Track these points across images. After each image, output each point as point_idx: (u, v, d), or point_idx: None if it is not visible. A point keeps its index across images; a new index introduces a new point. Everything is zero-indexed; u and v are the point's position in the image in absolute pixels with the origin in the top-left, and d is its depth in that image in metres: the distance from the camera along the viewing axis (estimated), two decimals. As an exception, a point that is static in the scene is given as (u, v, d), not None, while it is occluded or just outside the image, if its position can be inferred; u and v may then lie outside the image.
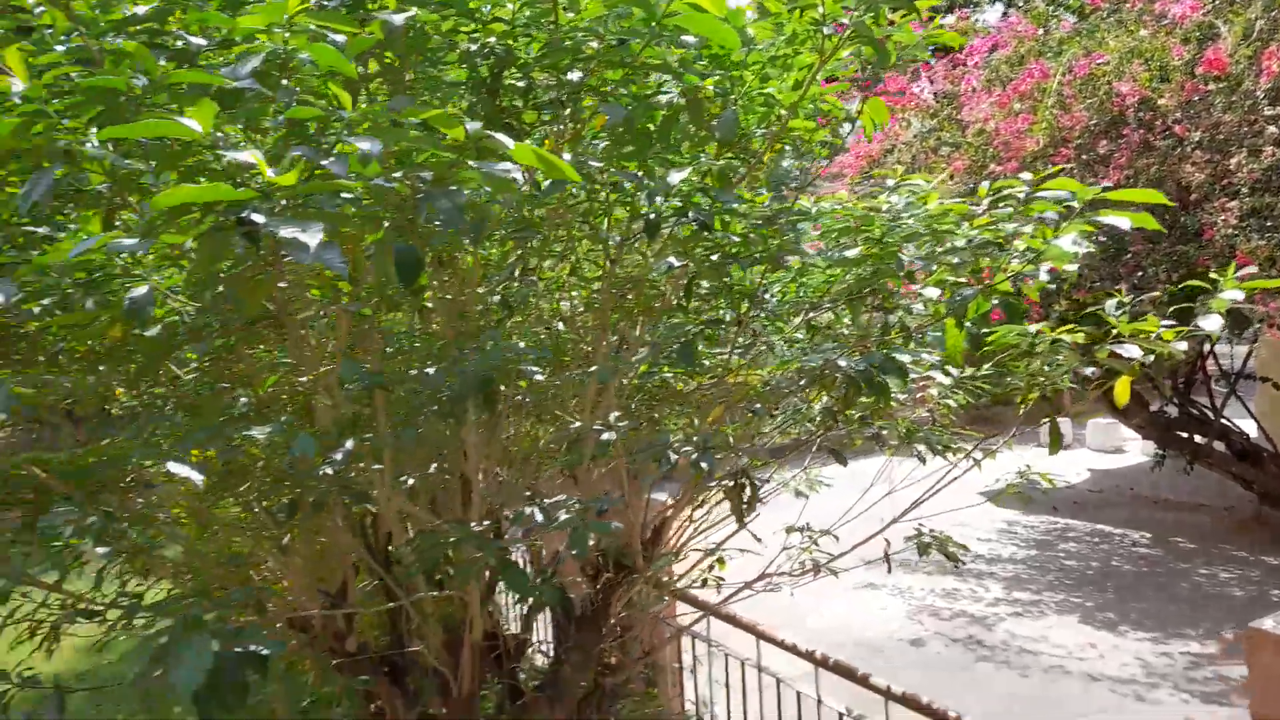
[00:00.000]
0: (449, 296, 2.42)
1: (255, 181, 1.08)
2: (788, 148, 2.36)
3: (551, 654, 4.14)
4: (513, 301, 2.26)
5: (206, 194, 1.00)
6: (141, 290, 1.31)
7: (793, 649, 3.69)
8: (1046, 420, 3.23)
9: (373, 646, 2.75)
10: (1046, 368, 2.51)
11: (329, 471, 2.11)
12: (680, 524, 2.88)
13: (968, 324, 2.21)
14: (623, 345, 2.77)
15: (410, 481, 2.51)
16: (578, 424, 2.29)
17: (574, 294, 3.08)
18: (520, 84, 2.04)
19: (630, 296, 2.72)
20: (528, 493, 2.50)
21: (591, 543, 1.77)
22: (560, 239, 2.54)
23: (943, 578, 7.88)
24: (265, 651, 1.35)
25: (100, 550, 1.63)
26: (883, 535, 3.13)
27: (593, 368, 2.35)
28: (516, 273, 2.53)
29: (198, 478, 1.54)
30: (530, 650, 4.18)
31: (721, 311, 2.54)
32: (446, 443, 2.42)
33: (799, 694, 3.70)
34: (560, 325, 2.98)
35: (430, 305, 2.51)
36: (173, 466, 1.54)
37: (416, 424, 2.09)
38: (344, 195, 1.29)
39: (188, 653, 1.29)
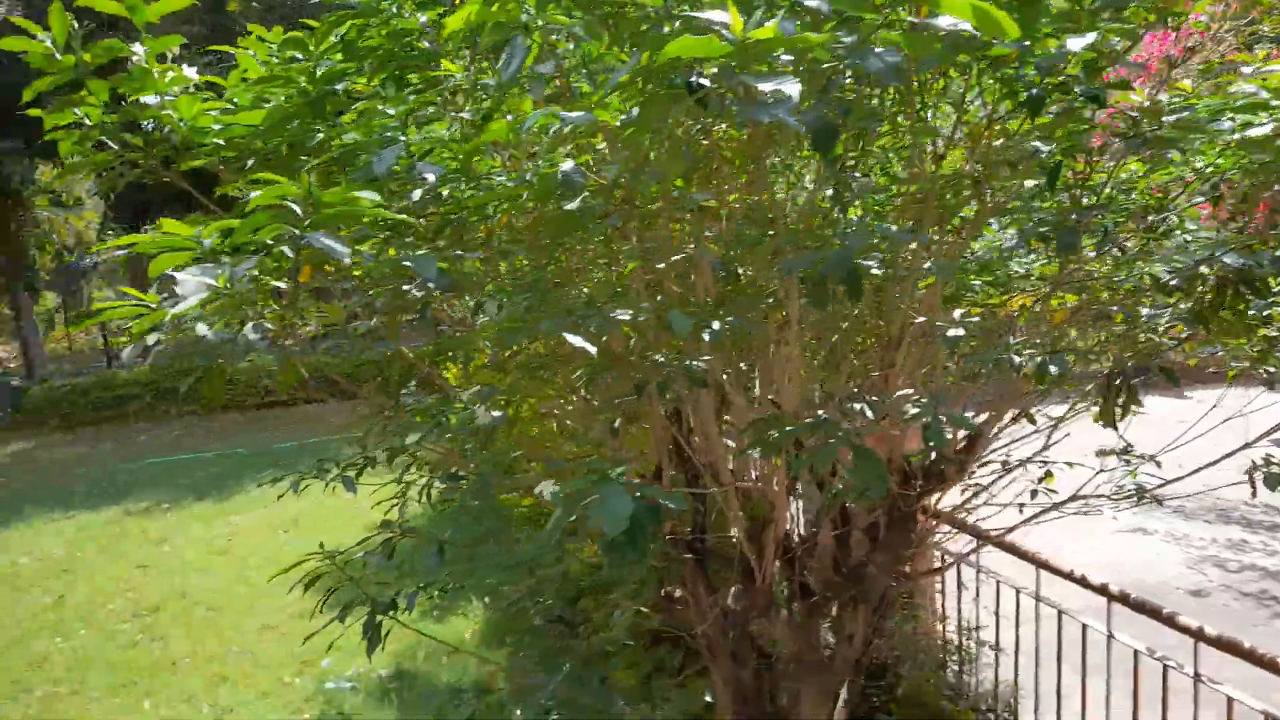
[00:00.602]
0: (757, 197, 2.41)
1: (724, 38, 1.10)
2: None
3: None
4: (846, 197, 2.22)
5: (699, 48, 1.02)
6: (569, 164, 1.38)
7: (1081, 581, 3.48)
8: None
9: (677, 534, 2.89)
10: None
11: (658, 359, 2.20)
12: (992, 435, 2.76)
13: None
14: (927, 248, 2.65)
15: (726, 375, 2.57)
16: (921, 319, 2.23)
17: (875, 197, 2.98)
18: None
19: (947, 197, 2.59)
20: (854, 389, 2.48)
21: (949, 436, 1.73)
22: (886, 132, 2.45)
23: (1226, 527, 7.15)
24: (671, 505, 1.44)
25: (495, 414, 1.79)
26: (1215, 466, 2.84)
27: (925, 264, 2.27)
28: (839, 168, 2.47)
29: (591, 349, 1.65)
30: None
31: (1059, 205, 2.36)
32: (766, 338, 2.45)
33: (1085, 627, 3.51)
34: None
35: (735, 204, 2.53)
36: (569, 337, 1.64)
37: (750, 314, 2.12)
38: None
39: (611, 502, 1.40)
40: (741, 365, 2.68)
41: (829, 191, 2.28)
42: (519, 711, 4.25)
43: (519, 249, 2.27)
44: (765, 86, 1.05)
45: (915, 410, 1.89)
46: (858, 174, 2.47)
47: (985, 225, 2.97)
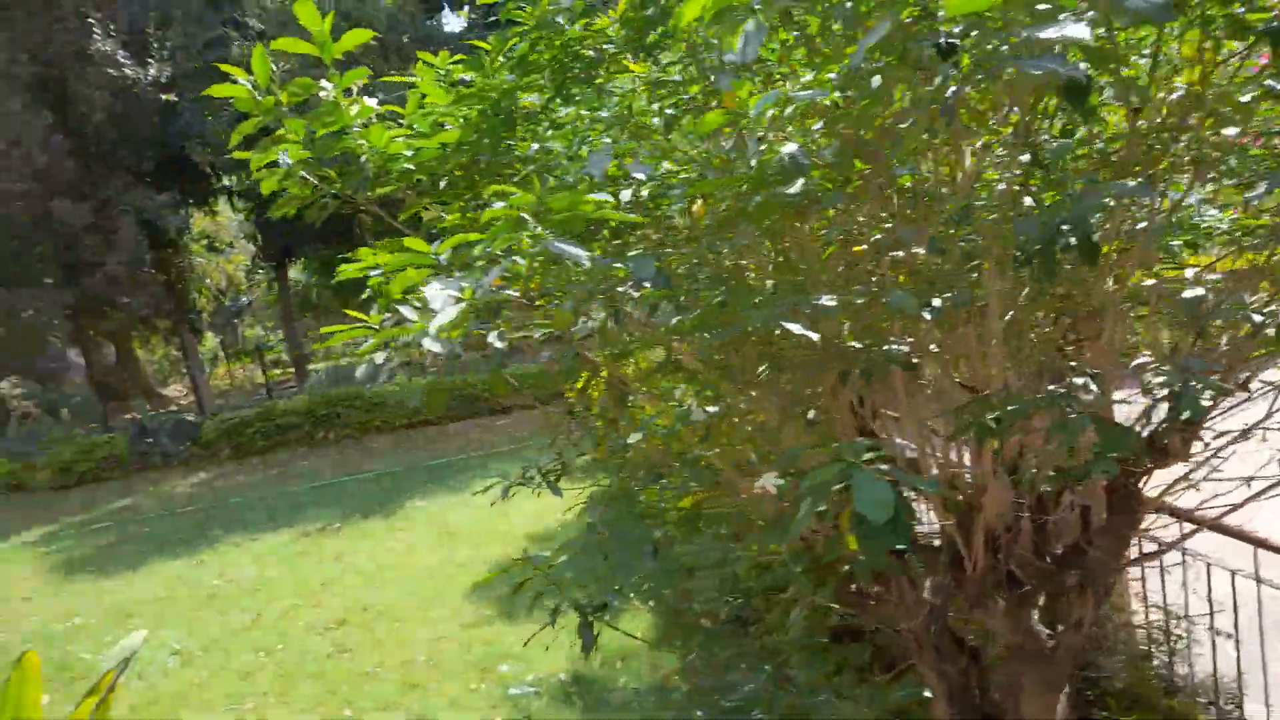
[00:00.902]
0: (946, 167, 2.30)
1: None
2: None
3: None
4: (1045, 159, 2.09)
5: (967, 4, 0.97)
6: (793, 146, 1.34)
7: (1314, 558, 3.22)
8: None
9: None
10: None
11: (855, 345, 2.13)
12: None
13: None
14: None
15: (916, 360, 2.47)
16: (1150, 283, 2.08)
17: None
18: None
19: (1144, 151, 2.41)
20: (1073, 364, 2.34)
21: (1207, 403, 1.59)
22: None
23: None
24: (926, 489, 1.38)
25: (711, 410, 1.77)
26: None
27: (1139, 225, 2.12)
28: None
29: (814, 336, 1.60)
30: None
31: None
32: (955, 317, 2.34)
33: (1318, 610, 3.24)
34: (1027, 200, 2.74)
35: (910, 185, 2.42)
36: (790, 326, 1.61)
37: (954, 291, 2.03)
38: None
39: (870, 489, 1.35)
40: (932, 348, 2.58)
41: (1024, 157, 2.15)
42: (697, 712, 4.23)
43: (703, 243, 2.25)
44: (1049, 34, 0.98)
45: (1161, 378, 1.76)
46: (1048, 136, 2.33)
47: (1177, 183, 2.77)
